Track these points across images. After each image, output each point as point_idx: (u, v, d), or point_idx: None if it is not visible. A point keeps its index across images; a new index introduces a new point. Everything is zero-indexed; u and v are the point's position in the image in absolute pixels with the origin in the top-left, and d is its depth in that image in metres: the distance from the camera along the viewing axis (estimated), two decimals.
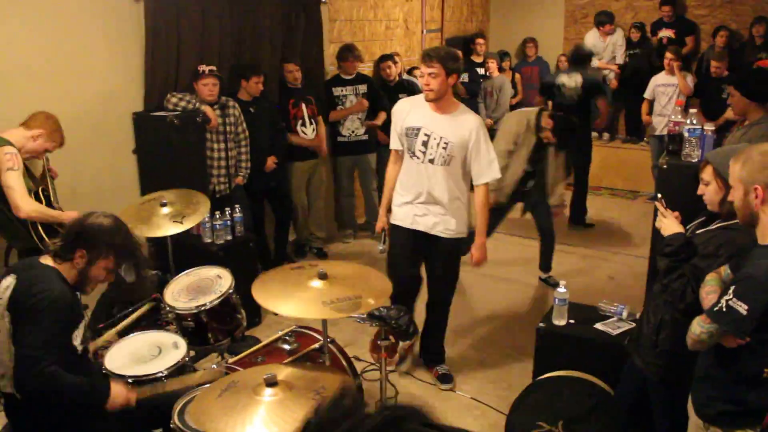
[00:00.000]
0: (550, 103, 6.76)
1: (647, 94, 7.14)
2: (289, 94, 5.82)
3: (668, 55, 6.98)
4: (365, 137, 6.37)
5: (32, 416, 2.58)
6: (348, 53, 6.17)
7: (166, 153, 4.83)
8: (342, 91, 6.23)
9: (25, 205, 3.42)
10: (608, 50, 8.40)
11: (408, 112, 3.82)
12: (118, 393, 2.65)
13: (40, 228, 3.54)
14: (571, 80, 6.49)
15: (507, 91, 8.12)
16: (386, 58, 6.65)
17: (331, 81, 6.28)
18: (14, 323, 2.48)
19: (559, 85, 6.54)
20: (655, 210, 2.88)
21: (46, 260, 2.62)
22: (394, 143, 3.94)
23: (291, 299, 2.73)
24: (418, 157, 3.78)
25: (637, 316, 3.53)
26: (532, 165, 5.07)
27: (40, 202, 3.63)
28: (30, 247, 3.50)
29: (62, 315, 2.50)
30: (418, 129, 3.73)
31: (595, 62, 8.11)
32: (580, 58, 6.77)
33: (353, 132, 6.32)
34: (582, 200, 6.93)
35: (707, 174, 2.61)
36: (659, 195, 2.92)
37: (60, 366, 2.46)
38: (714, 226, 2.63)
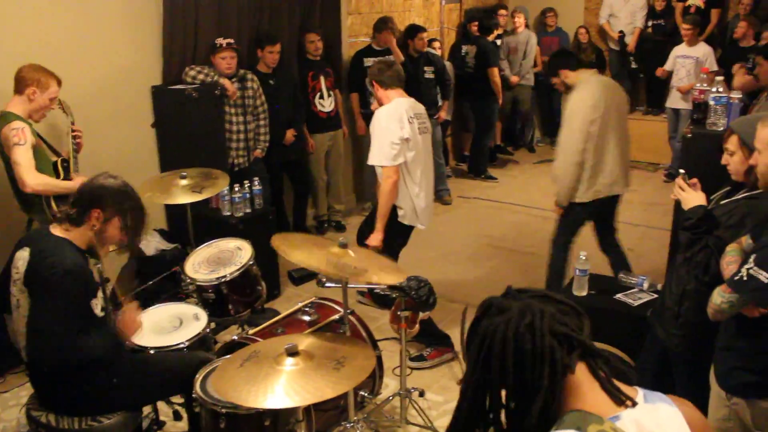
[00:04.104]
0: None
1: (667, 66, 7.19)
2: (309, 67, 5.77)
3: (685, 26, 6.99)
4: None
5: (54, 385, 2.60)
6: (383, 25, 6.06)
7: (184, 126, 4.84)
8: (372, 62, 6.09)
9: (30, 179, 3.39)
10: (625, 11, 8.25)
11: None
12: (128, 324, 2.71)
13: (52, 201, 3.51)
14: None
15: (533, 47, 8.12)
16: (420, 29, 6.53)
17: (363, 51, 6.17)
18: (32, 296, 2.46)
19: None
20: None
21: (56, 230, 2.57)
22: None
23: (311, 256, 2.74)
24: None
25: (658, 287, 3.51)
26: None
27: (58, 175, 3.61)
28: (49, 219, 3.48)
29: (77, 287, 2.47)
30: None
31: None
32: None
33: None
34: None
35: (732, 144, 2.55)
36: (682, 171, 2.86)
37: (78, 335, 2.45)
38: (739, 196, 2.58)
